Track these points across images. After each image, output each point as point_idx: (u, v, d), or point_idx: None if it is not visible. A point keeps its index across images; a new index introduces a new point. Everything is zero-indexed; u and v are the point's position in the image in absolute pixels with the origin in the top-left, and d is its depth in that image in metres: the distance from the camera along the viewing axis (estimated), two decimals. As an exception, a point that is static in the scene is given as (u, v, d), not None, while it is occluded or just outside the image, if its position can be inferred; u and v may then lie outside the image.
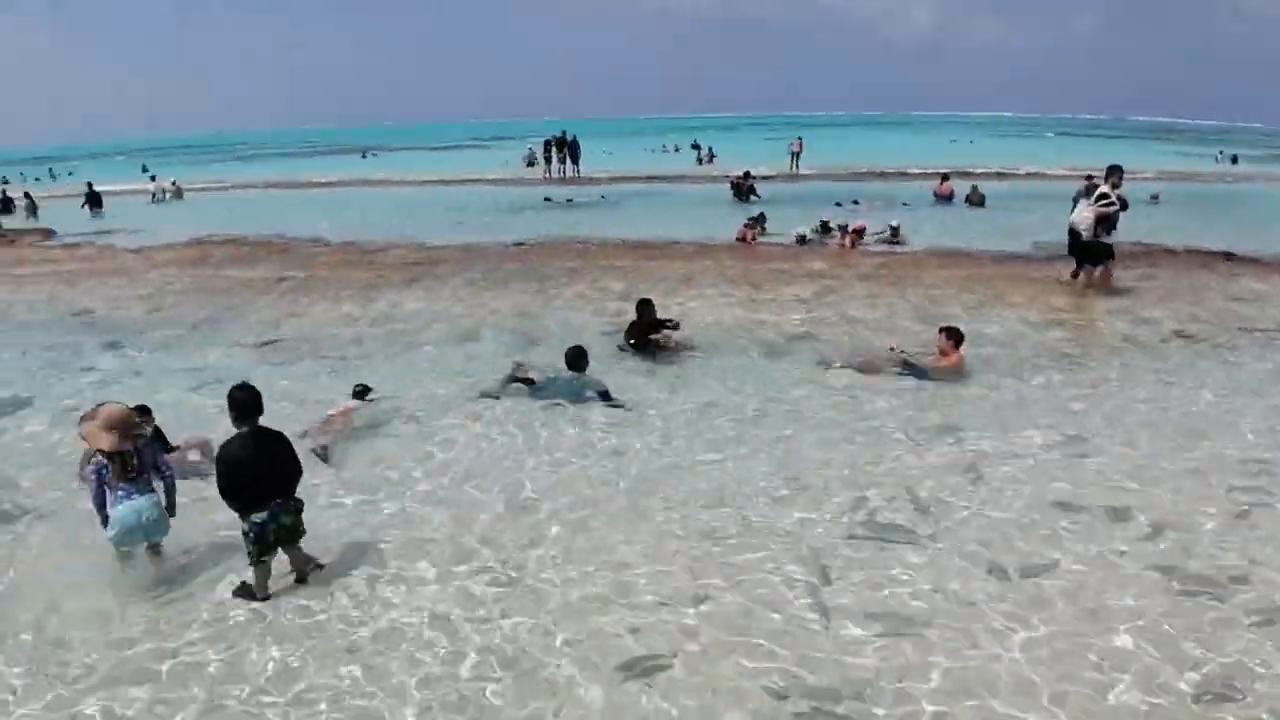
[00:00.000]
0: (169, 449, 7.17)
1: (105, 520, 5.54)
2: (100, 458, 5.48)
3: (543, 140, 38.42)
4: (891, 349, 9.80)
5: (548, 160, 36.90)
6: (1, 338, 12.35)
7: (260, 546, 5.39)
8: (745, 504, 6.56)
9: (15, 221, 28.22)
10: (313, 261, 17.85)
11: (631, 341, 10.32)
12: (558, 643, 4.94)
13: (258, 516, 5.33)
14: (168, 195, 34.86)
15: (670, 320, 10.52)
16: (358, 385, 8.84)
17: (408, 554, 6.00)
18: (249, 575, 5.52)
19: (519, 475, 7.21)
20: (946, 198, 24.71)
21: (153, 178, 36.39)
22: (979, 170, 32.60)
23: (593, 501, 6.69)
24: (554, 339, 11.16)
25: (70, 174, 52.83)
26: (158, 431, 7.18)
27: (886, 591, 5.37)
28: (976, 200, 23.53)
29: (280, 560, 5.56)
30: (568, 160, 36.21)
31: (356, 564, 5.86)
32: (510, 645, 4.94)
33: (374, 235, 20.96)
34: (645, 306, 10.46)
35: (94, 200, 31.17)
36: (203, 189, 38.93)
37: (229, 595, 5.53)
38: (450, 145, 78.63)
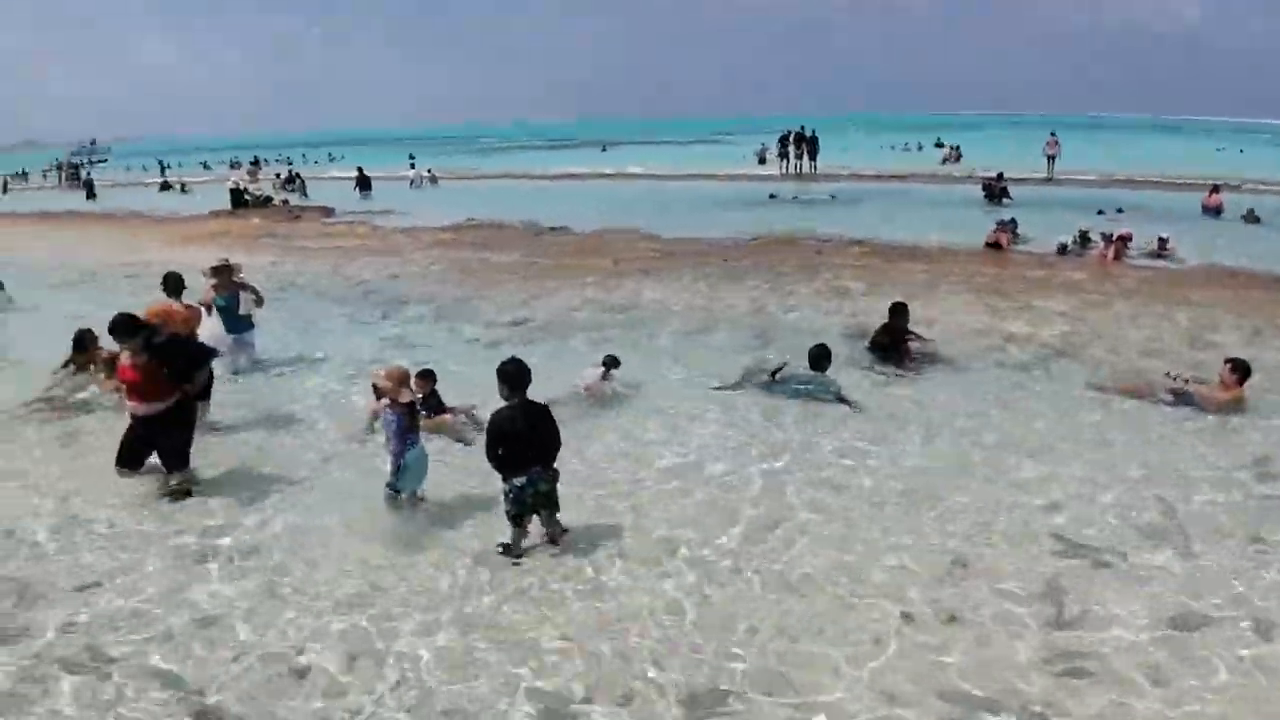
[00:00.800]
0: (443, 409, 7.86)
1: (398, 466, 6.22)
2: (395, 410, 6.16)
3: (777, 136, 38.15)
4: (1169, 375, 8.92)
5: (784, 156, 36.65)
6: (295, 304, 13.89)
7: (518, 507, 5.77)
8: (996, 538, 6.12)
9: (293, 199, 31.63)
10: (557, 249, 18.80)
11: (878, 345, 10.08)
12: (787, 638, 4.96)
13: (517, 480, 5.71)
14: (425, 181, 37.90)
15: (921, 335, 10.23)
16: (607, 356, 9.28)
17: (644, 530, 6.20)
18: (508, 536, 5.92)
19: (753, 466, 7.25)
20: (1215, 210, 22.23)
21: (413, 165, 39.69)
22: (1249, 184, 28.58)
23: (821, 506, 6.59)
24: (790, 336, 11.15)
25: (342, 158, 58.41)
26: (435, 394, 7.90)
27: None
28: (1252, 218, 20.97)
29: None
30: (805, 156, 35.82)
31: (598, 539, 6.08)
32: (730, 641, 4.97)
33: (612, 225, 21.78)
34: (899, 311, 10.13)
35: (363, 183, 34.56)
36: (454, 177, 41.96)
37: (478, 547, 5.98)
38: (685, 140, 79.91)
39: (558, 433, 5.87)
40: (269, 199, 30.08)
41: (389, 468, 6.36)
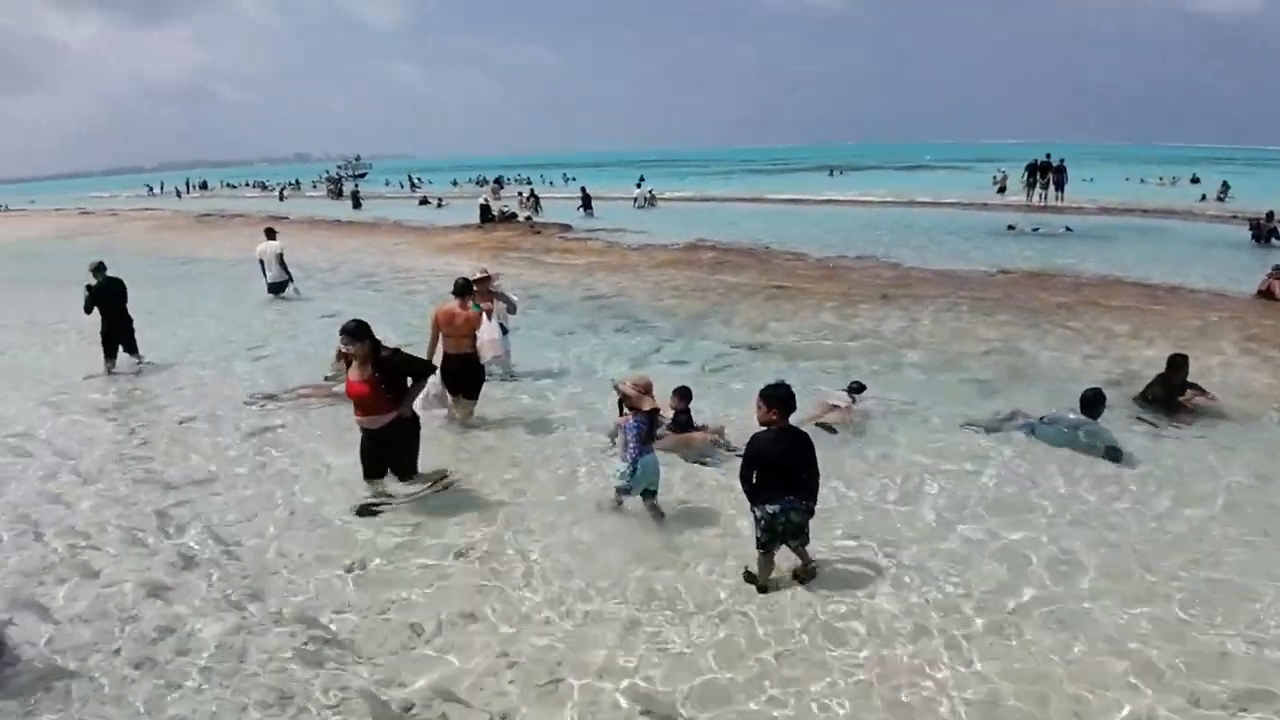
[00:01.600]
0: (693, 427, 7.94)
1: (631, 469, 6.34)
2: (638, 417, 6.34)
3: (1024, 164, 36.12)
4: None
5: (1030, 185, 34.64)
6: (539, 315, 14.55)
7: (768, 535, 5.63)
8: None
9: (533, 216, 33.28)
10: (791, 273, 18.63)
11: (1152, 398, 9.19)
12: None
13: (771, 506, 5.57)
14: (645, 202, 38.90)
15: (1204, 390, 9.24)
16: (854, 381, 9.07)
17: (897, 576, 5.88)
18: (753, 564, 5.82)
19: (1009, 515, 6.73)
20: None
21: (639, 185, 40.92)
22: None
23: (1076, 561, 6.00)
24: (1046, 378, 10.39)
25: (573, 179, 60.90)
26: (688, 411, 8.01)
27: None
28: None
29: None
30: (1050, 186, 33.70)
31: (839, 581, 5.81)
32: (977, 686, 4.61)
33: (846, 251, 21.38)
34: (1179, 364, 9.14)
35: (586, 202, 36.10)
36: (677, 199, 42.74)
37: (710, 573, 5.88)
38: (913, 165, 77.56)
39: (817, 463, 5.72)
40: (513, 215, 31.89)
41: (620, 470, 6.47)
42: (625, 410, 6.50)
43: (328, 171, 68.40)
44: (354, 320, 6.47)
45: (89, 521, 6.86)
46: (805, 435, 5.74)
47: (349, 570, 5.99)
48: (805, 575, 5.80)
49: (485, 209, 31.50)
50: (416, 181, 67.11)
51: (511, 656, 4.97)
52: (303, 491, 7.32)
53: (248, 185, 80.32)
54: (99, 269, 11.55)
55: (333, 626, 5.30)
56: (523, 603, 5.55)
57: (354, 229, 31.77)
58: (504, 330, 10.28)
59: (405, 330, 13.00)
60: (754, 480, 5.60)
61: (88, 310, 11.37)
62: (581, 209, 35.40)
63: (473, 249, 23.81)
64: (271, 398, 9.92)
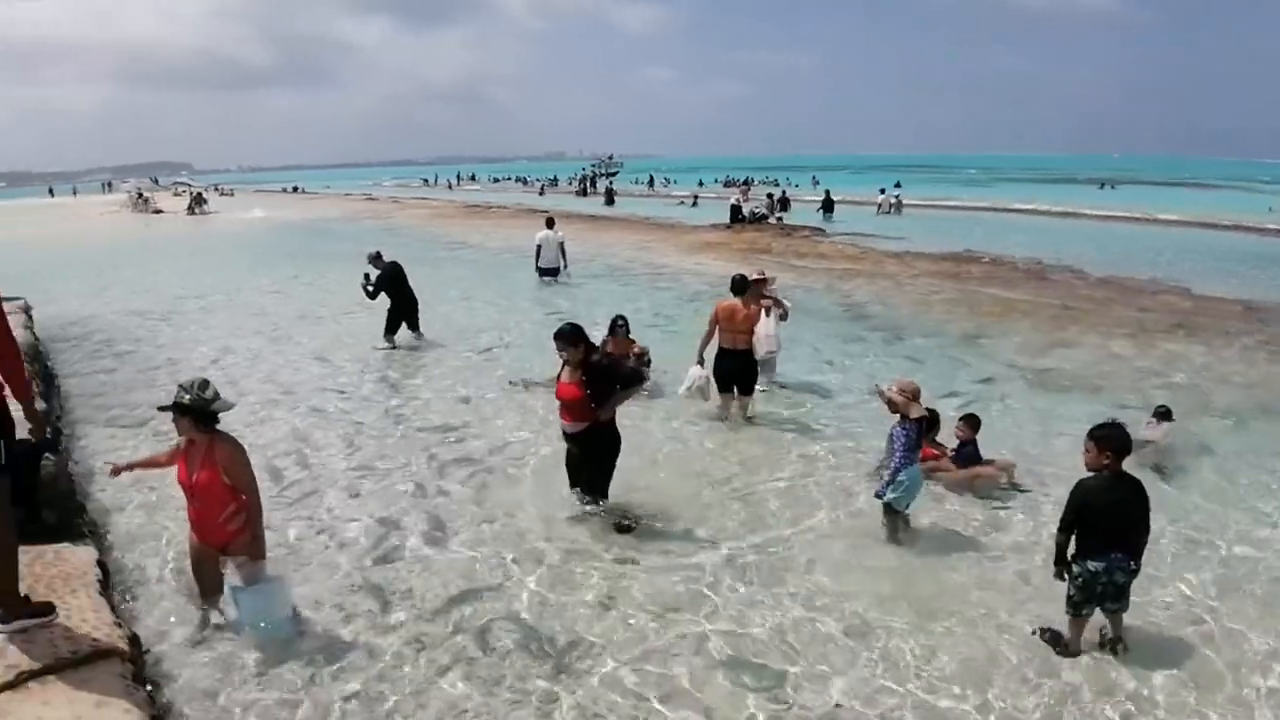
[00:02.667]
0: (979, 460, 7.26)
1: (893, 479, 5.98)
2: (907, 425, 5.98)
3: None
4: None
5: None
6: (796, 320, 14.06)
7: (1085, 594, 4.88)
8: None
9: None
10: (1071, 292, 17.01)
11: None
12: None
13: (1093, 564, 4.83)
14: (891, 208, 37.27)
15: None
16: (1160, 406, 8.20)
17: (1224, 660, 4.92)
18: (1048, 621, 5.11)
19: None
20: None
21: (883, 190, 39.40)
22: None
23: None
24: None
25: (816, 184, 59.48)
26: (974, 442, 7.34)
27: None
28: None
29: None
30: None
31: (1156, 656, 4.92)
32: None
33: (1129, 272, 19.32)
34: None
35: (828, 205, 35.18)
36: (924, 205, 40.64)
37: (1001, 630, 5.20)
38: (1197, 183, 69.56)
39: (1149, 518, 4.92)
40: (764, 216, 31.60)
41: (888, 481, 6.09)
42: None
43: (583, 169, 71.23)
44: (569, 324, 6.28)
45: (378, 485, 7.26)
46: (1140, 485, 4.94)
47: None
48: (1115, 646, 5.02)
49: (736, 209, 31.44)
50: (665, 181, 68.43)
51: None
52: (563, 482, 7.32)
53: (509, 180, 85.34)
54: (376, 257, 12.36)
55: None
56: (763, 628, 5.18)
57: (608, 224, 32.69)
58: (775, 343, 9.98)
59: (656, 323, 13.08)
60: (1077, 530, 4.91)
61: (373, 297, 12.20)
62: (821, 211, 34.75)
63: (723, 249, 23.72)
64: (535, 384, 10.12)
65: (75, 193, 67.09)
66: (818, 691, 4.56)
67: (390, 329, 12.23)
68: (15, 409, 3.95)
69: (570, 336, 6.16)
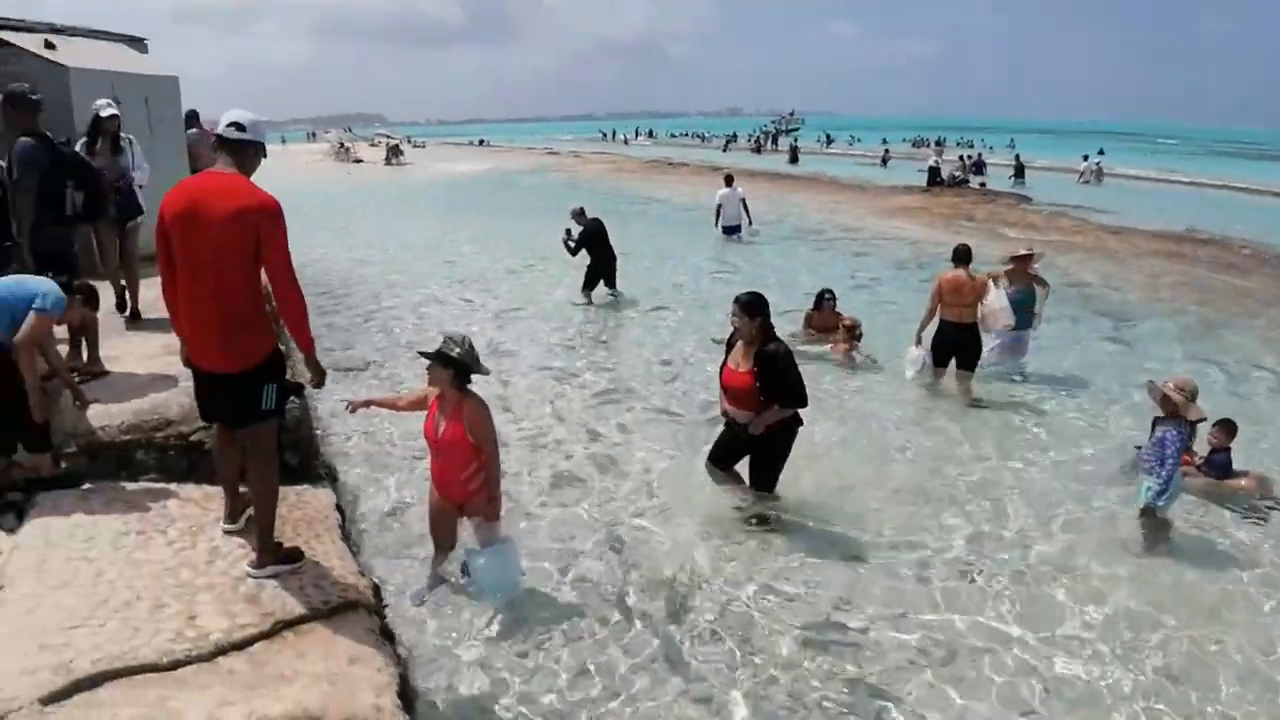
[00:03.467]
0: (1236, 473, 6.45)
1: (1163, 488, 5.50)
2: (1181, 427, 5.46)
3: None
4: None
5: None
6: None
7: None
8: None
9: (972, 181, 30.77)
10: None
11: None
12: None
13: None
14: (1092, 176, 34.31)
15: None
16: None
17: None
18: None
19: None
20: None
21: (1085, 157, 36.36)
22: None
23: None
24: None
25: (1009, 145, 55.38)
26: (1227, 450, 6.52)
27: None
28: None
29: None
30: None
31: None
32: None
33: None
34: None
35: (1019, 171, 33.11)
36: (1130, 176, 37.18)
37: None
38: None
39: None
40: (963, 180, 29.78)
41: (1150, 486, 5.53)
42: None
43: (764, 126, 69.86)
44: (750, 293, 5.51)
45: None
46: None
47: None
48: None
49: (934, 172, 29.74)
50: (850, 139, 66.06)
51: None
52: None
53: (687, 136, 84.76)
54: (580, 213, 12.32)
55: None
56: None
57: (793, 183, 31.75)
58: (1031, 321, 9.08)
59: (856, 292, 12.48)
60: None
61: (574, 253, 12.19)
62: (1013, 177, 32.54)
63: (922, 214, 22.47)
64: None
65: (284, 141, 71.82)
66: None
67: (588, 284, 12.22)
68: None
69: (749, 305, 5.38)
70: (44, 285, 4.61)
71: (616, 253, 12.41)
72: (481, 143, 75.10)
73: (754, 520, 5.74)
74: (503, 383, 8.72)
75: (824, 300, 10.15)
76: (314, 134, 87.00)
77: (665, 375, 9.12)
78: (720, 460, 5.94)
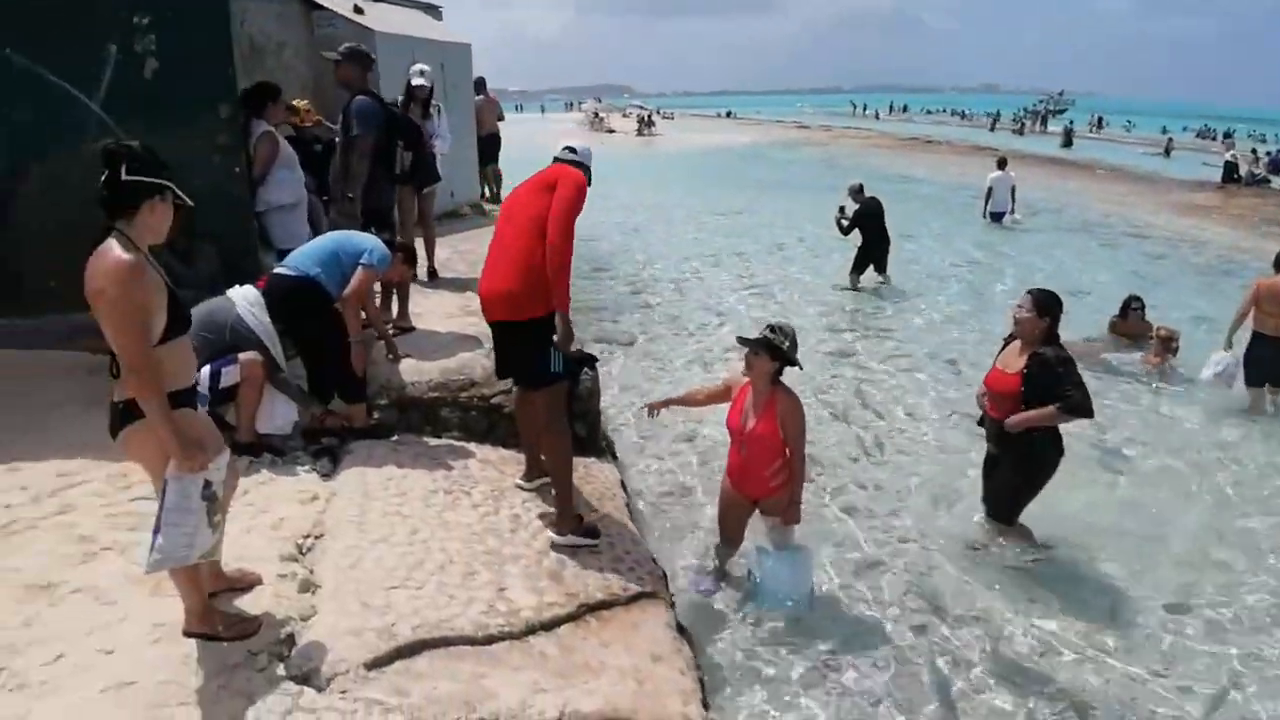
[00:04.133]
0: None
1: None
2: None
3: None
4: None
5: None
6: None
7: None
8: None
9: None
10: None
11: None
12: None
13: None
14: None
15: None
16: None
17: None
18: None
19: None
20: None
21: None
22: None
23: None
24: None
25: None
26: None
27: None
28: None
29: None
30: None
31: None
32: None
33: None
34: None
35: None
36: None
37: None
38: None
39: None
40: (1264, 179, 25.93)
41: None
42: None
43: (1031, 105, 64.62)
44: (1044, 290, 4.79)
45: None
46: None
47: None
48: None
49: (1230, 167, 26.06)
50: (1126, 124, 59.91)
51: None
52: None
53: (943, 112, 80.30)
54: (858, 190, 11.71)
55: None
56: None
57: (1067, 169, 29.04)
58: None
59: (1159, 297, 11.04)
60: None
61: (846, 233, 11.61)
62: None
63: (1220, 214, 19.68)
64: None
65: (543, 110, 75.05)
66: None
67: (857, 268, 11.60)
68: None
69: (1041, 302, 4.67)
70: (371, 242, 4.75)
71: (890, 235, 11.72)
72: (729, 115, 74.81)
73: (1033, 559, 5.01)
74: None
75: (1130, 308, 9.10)
76: (570, 104, 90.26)
77: (947, 373, 8.41)
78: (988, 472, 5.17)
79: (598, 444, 5.48)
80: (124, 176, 2.60)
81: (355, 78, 5.58)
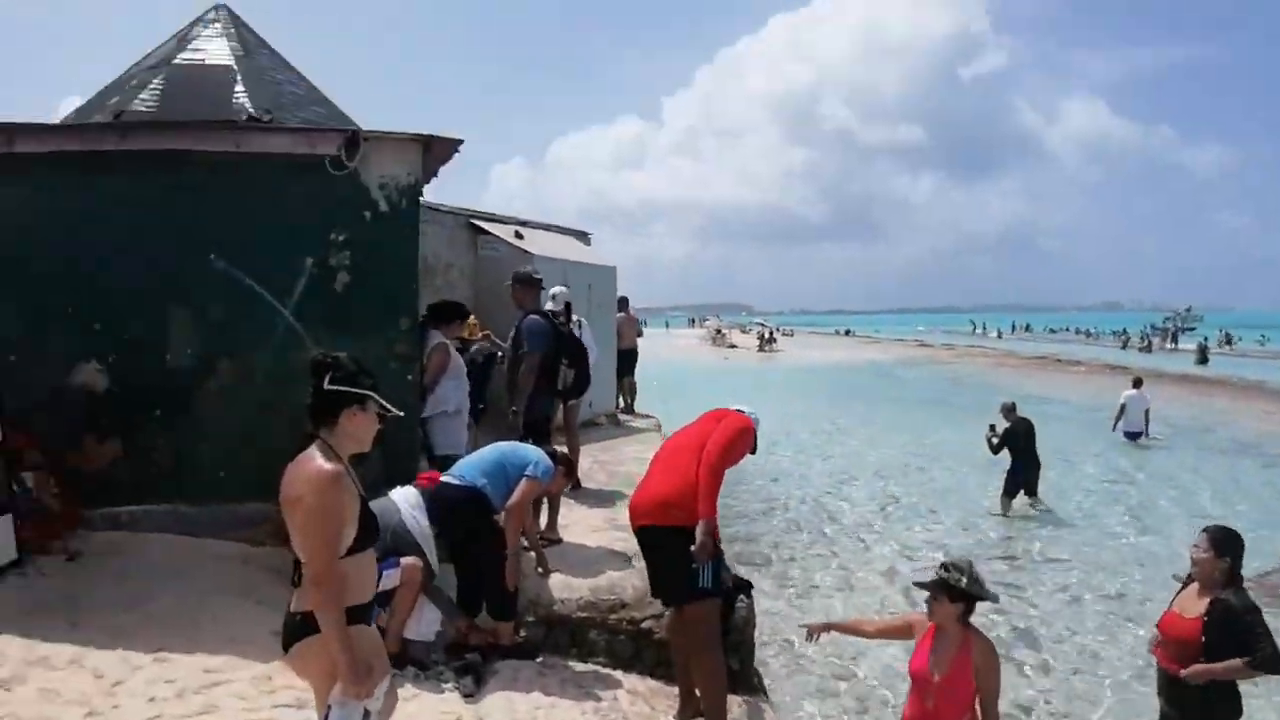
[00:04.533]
0: None
1: None
2: None
3: None
4: None
5: None
6: None
7: None
8: None
9: None
10: None
11: None
12: None
13: None
14: None
15: None
16: None
17: None
18: None
19: None
20: None
21: None
22: None
23: None
24: None
25: None
26: None
27: None
28: None
29: None
30: None
31: None
32: None
33: None
34: None
35: None
36: None
37: None
38: None
39: None
40: None
41: None
42: None
43: (1154, 323, 62.99)
44: (1221, 528, 4.10)
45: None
46: None
47: None
48: None
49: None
50: (1261, 339, 57.34)
51: None
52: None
53: (1066, 331, 79.02)
54: (1010, 409, 11.38)
55: None
56: None
57: (1209, 386, 27.65)
58: None
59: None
60: None
61: (995, 451, 11.20)
62: None
63: None
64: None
65: (667, 325, 77.72)
66: None
67: (1009, 492, 11.02)
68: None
69: (1219, 540, 4.03)
70: (535, 453, 4.74)
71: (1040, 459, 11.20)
72: (848, 333, 75.70)
73: None
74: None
75: None
76: (693, 320, 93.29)
77: (1115, 610, 7.64)
78: None
79: (750, 680, 5.06)
80: (326, 385, 2.63)
81: (527, 298, 5.88)
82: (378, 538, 2.73)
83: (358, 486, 2.63)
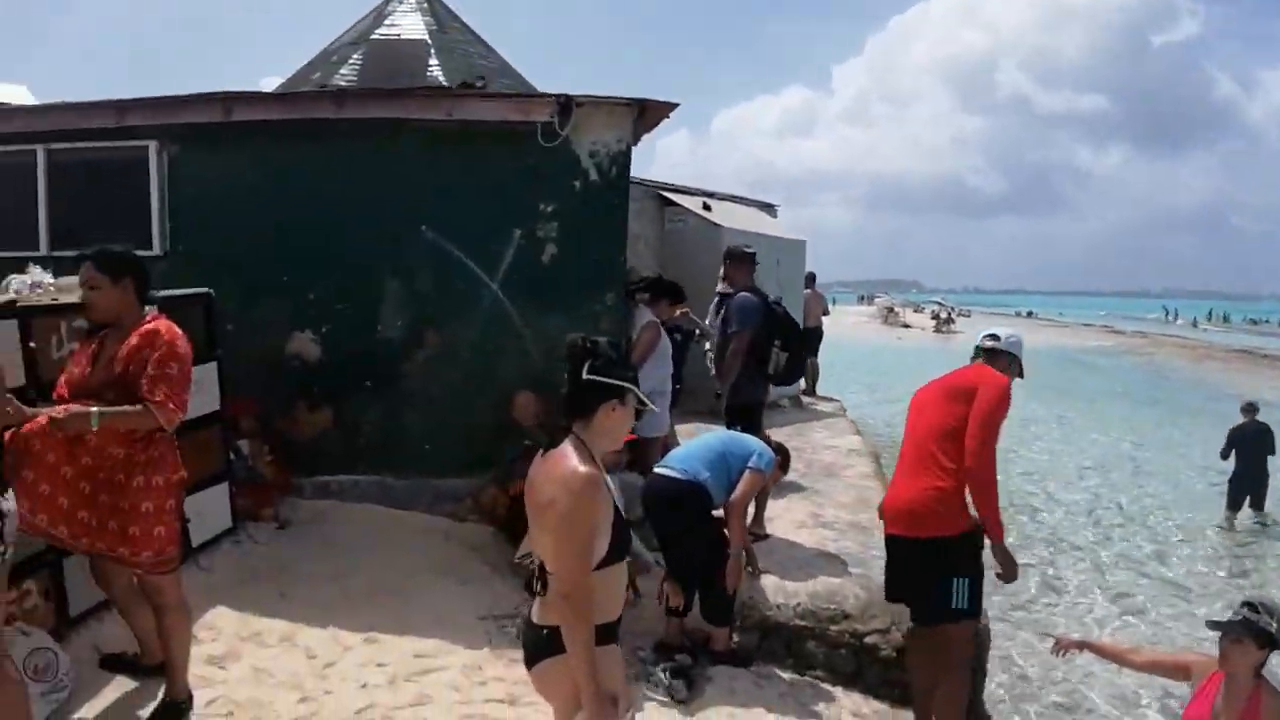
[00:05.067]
0: None
1: None
2: None
3: None
4: None
5: None
6: None
7: None
8: None
9: None
10: None
11: None
12: None
13: None
14: None
15: None
16: None
17: None
18: None
19: None
20: None
21: None
22: None
23: None
24: None
25: None
26: None
27: None
28: None
29: None
30: None
31: None
32: None
33: None
34: None
35: None
36: None
37: None
38: None
39: None
40: None
41: None
42: None
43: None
44: None
45: None
46: None
47: None
48: None
49: None
50: None
51: None
52: None
53: (1268, 323, 71.20)
54: (1250, 408, 10.17)
55: None
56: None
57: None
58: None
59: None
60: None
61: (1224, 456, 10.06)
62: None
63: None
64: None
65: (834, 302, 75.34)
66: None
67: (1233, 504, 9.86)
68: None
69: None
70: (757, 444, 4.36)
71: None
72: (1029, 315, 71.34)
73: None
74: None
75: None
76: (863, 297, 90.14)
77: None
78: None
79: (981, 709, 4.53)
80: (584, 375, 2.33)
81: (740, 275, 5.49)
82: (628, 552, 2.41)
83: (613, 494, 2.31)
